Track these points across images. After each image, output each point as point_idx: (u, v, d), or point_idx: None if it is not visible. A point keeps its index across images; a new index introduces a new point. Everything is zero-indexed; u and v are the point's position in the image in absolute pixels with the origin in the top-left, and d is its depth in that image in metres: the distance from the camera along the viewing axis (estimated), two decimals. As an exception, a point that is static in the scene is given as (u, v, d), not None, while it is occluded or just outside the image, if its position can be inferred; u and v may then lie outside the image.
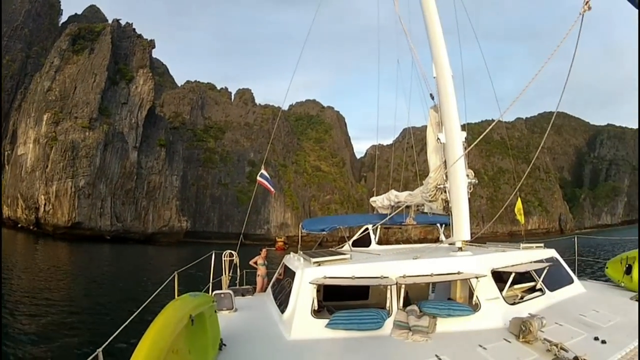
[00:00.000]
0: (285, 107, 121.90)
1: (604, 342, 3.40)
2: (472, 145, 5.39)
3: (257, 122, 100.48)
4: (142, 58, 69.94)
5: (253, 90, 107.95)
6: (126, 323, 3.35)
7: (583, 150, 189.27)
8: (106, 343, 2.87)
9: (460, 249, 5.04)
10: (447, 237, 5.94)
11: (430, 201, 5.91)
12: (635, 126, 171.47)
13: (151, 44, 72.19)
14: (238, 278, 7.64)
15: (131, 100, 65.01)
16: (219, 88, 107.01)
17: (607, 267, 6.08)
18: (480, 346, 3.43)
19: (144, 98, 66.17)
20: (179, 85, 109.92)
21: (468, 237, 5.09)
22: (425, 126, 6.09)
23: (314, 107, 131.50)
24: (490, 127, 4.93)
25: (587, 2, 3.26)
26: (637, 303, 4.62)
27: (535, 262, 5.14)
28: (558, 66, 3.66)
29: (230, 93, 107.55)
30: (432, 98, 5.96)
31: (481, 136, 4.88)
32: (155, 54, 78.16)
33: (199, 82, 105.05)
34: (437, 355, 3.25)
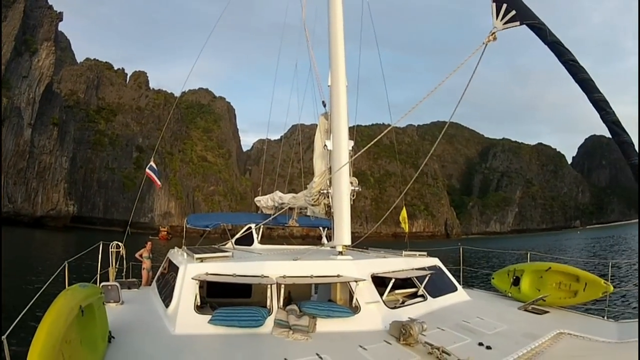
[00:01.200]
0: (178, 94, 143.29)
1: (489, 347, 4.24)
2: (358, 154, 6.80)
3: (148, 107, 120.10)
4: (49, 30, 79.90)
5: (148, 74, 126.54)
6: (23, 313, 4.10)
7: (474, 160, 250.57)
8: (8, 330, 3.47)
9: (340, 253, 6.22)
10: (329, 239, 7.45)
11: (313, 205, 7.34)
12: (532, 142, 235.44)
13: (59, 17, 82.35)
14: (124, 270, 9.01)
15: (32, 74, 73.76)
16: (116, 68, 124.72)
17: (493, 278, 7.86)
18: (361, 347, 4.21)
19: (44, 73, 75.67)
20: (79, 62, 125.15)
21: (348, 242, 6.33)
22: (315, 124, 7.57)
23: (205, 96, 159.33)
24: (381, 135, 6.40)
25: (493, 33, 4.20)
26: (525, 313, 6.08)
27: (417, 269, 6.59)
28: (457, 81, 4.68)
29: (126, 75, 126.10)
30: (324, 105, 7.39)
31: (368, 145, 6.73)
32: (61, 26, 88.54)
33: (97, 60, 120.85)
34: (317, 354, 3.93)
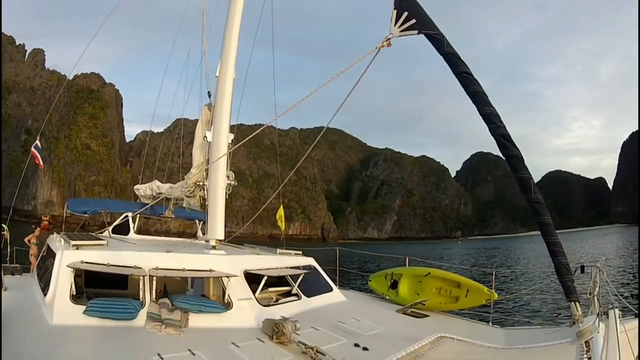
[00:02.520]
0: (71, 77, 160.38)
1: (365, 349, 5.15)
2: (236, 146, 8.03)
3: (41, 88, 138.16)
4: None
5: (47, 53, 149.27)
6: None
7: (355, 167, 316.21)
8: None
9: (214, 247, 7.46)
10: (204, 233, 8.47)
11: (188, 196, 8.73)
12: (416, 154, 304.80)
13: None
14: (8, 255, 10.15)
15: None
16: (17, 44, 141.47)
17: (370, 280, 9.73)
18: (233, 344, 5.03)
19: None
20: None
21: (222, 237, 7.58)
22: (197, 120, 8.95)
23: (96, 82, 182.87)
24: (258, 131, 7.83)
25: (389, 39, 5.10)
26: (404, 316, 7.50)
27: (290, 267, 7.89)
28: (348, 88, 5.54)
29: (26, 51, 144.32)
30: (209, 96, 8.75)
31: (247, 138, 7.38)
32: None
33: (4, 34, 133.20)
34: (190, 350, 4.68)
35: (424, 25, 5.26)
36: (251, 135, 7.32)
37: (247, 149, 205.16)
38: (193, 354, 4.54)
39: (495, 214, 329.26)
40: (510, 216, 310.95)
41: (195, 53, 10.76)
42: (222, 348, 4.92)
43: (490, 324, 7.71)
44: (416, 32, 5.22)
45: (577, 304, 5.28)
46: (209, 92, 8.85)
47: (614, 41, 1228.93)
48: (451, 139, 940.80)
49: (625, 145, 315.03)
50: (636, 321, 5.24)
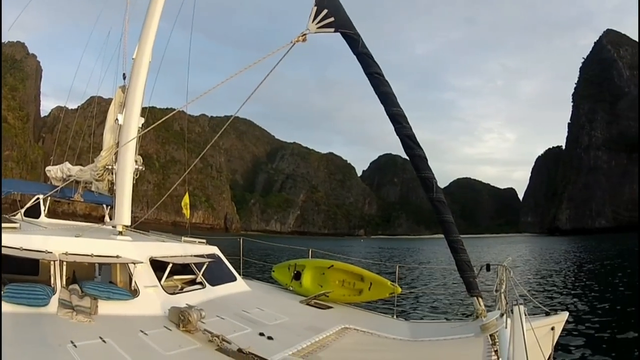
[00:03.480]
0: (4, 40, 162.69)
1: (270, 338, 5.91)
2: (145, 131, 8.83)
3: None
4: None
5: None
6: None
7: (262, 159, 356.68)
8: None
9: (120, 233, 8.11)
10: (112, 218, 8.96)
11: (97, 180, 9.57)
12: (323, 150, 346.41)
13: None
14: None
15: None
16: None
17: (273, 271, 11.01)
18: (142, 332, 5.58)
19: None
20: None
21: (128, 223, 8.34)
22: (111, 99, 9.57)
23: (21, 51, 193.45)
24: (169, 116, 8.84)
25: (304, 35, 5.80)
26: (308, 307, 8.46)
27: (195, 255, 8.68)
28: (262, 79, 6.17)
29: None
30: (124, 78, 9.42)
31: (157, 123, 8.38)
32: None
33: None
34: (101, 337, 5.14)
35: (342, 24, 6.16)
36: (161, 120, 8.77)
37: (156, 133, 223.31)
38: (104, 341, 5.13)
39: (400, 215, 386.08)
40: (415, 218, 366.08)
41: (116, 32, 11.51)
42: (131, 336, 5.55)
43: (395, 316, 8.93)
44: (333, 30, 6.11)
45: (480, 299, 6.29)
46: (124, 74, 9.54)
47: (539, 62, 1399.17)
48: (360, 139, 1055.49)
49: (539, 159, 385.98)
50: (546, 319, 6.85)
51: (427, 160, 6.15)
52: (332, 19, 6.10)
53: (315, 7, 6.13)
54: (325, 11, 6.12)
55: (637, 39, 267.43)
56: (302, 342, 5.87)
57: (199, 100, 7.37)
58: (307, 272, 10.28)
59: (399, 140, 6.26)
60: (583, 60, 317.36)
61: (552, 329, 6.87)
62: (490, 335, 5.66)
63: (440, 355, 6.43)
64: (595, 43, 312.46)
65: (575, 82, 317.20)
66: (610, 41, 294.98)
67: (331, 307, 8.79)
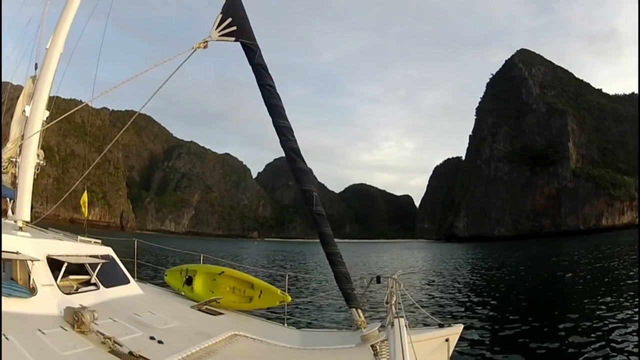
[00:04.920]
0: None
1: (160, 342, 6.92)
2: (50, 124, 10.20)
3: None
4: None
5: None
6: None
7: (159, 157, 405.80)
8: None
9: (20, 228, 9.22)
10: (14, 213, 10.08)
11: (3, 173, 10.60)
12: (220, 151, 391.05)
13: None
14: None
15: None
16: None
17: (166, 275, 12.70)
18: (40, 330, 6.50)
19: None
20: None
21: (28, 218, 9.54)
22: (20, 86, 11.30)
23: None
24: (75, 110, 9.77)
25: (206, 41, 6.97)
26: (199, 312, 9.88)
27: (90, 256, 10.07)
28: (166, 75, 7.29)
29: None
30: (36, 68, 10.69)
31: (63, 116, 9.41)
32: None
33: None
34: (4, 335, 5.91)
35: (243, 34, 7.46)
36: (67, 113, 9.42)
37: (58, 124, 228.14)
38: (7, 338, 5.88)
39: (293, 218, 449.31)
40: (309, 222, 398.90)
41: (36, 20, 12.92)
42: (30, 335, 6.39)
43: (286, 324, 10.40)
44: (233, 39, 7.45)
45: (359, 310, 7.58)
46: (36, 64, 10.79)
47: (444, 75, 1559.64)
48: (257, 141, 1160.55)
49: (438, 168, 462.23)
50: (439, 331, 8.04)
51: (309, 173, 7.85)
52: (234, 28, 7.57)
53: (221, 15, 7.60)
54: (229, 20, 7.60)
55: (551, 60, 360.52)
56: (192, 348, 7.00)
57: (101, 92, 8.82)
58: (198, 278, 12.00)
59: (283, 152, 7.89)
60: (491, 76, 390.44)
61: (447, 340, 8.09)
62: (372, 346, 7.00)
63: None
64: (506, 61, 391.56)
65: (481, 96, 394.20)
66: (522, 60, 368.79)
67: (222, 314, 10.38)
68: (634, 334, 17.57)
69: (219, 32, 7.48)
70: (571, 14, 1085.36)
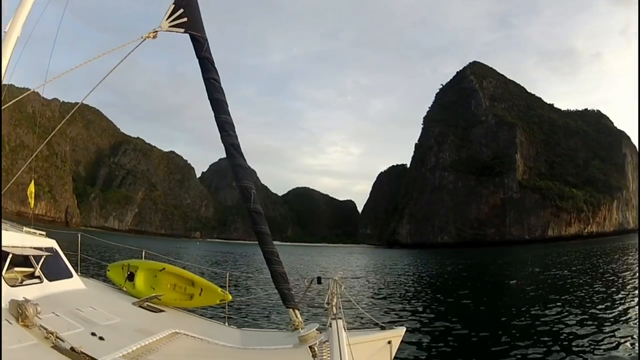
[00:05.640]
0: None
1: (101, 338, 7.36)
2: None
3: None
4: None
5: None
6: None
7: (105, 152, 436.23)
8: None
9: None
10: None
11: None
12: (166, 148, 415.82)
13: None
14: None
15: None
16: None
17: (109, 270, 13.59)
18: None
19: None
20: None
21: None
22: None
23: None
24: (22, 96, 10.84)
25: (156, 32, 7.34)
26: (140, 309, 10.63)
27: (35, 248, 10.71)
28: (120, 68, 7.86)
29: None
30: None
31: (10, 102, 10.10)
32: None
33: None
34: None
35: (193, 26, 7.87)
36: (16, 99, 10.24)
37: (10, 114, 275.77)
38: None
39: (236, 219, 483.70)
40: None
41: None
42: None
43: (226, 323, 11.35)
44: (183, 30, 7.82)
45: (296, 310, 8.03)
46: None
47: (394, 83, 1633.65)
48: (203, 140, 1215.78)
49: (382, 175, 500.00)
50: (381, 333, 8.85)
51: (248, 170, 8.17)
52: (185, 20, 7.96)
53: (173, 5, 7.98)
54: (180, 11, 7.97)
55: (504, 74, 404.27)
56: (132, 345, 7.46)
57: (54, 83, 9.16)
58: (140, 274, 12.68)
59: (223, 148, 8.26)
60: (442, 86, 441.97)
61: (389, 342, 8.89)
62: (310, 347, 7.42)
63: None
64: (458, 72, 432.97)
65: (430, 105, 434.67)
66: (474, 72, 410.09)
67: (163, 311, 11.04)
68: (579, 338, 20.05)
69: (170, 22, 8.02)
70: (530, 30, 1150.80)
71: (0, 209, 8.58)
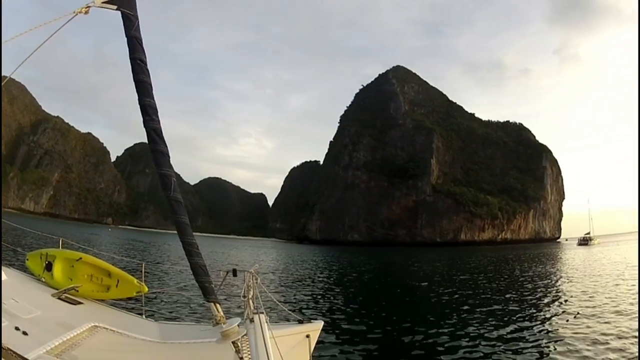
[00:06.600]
0: None
1: (25, 333, 7.12)
2: None
3: None
4: None
5: None
6: None
7: (26, 130, 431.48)
8: None
9: None
10: None
11: None
12: (83, 129, 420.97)
13: None
14: None
15: None
16: None
17: (27, 259, 12.76)
18: None
19: None
20: None
21: None
22: None
23: None
24: None
25: (88, 7, 7.05)
26: (60, 301, 10.18)
27: None
28: (50, 41, 7.65)
29: None
30: None
31: None
32: None
33: None
34: None
35: (125, 3, 7.56)
36: None
37: None
38: None
39: (148, 207, 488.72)
40: (163, 212, 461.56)
41: None
42: None
43: (144, 316, 11.08)
44: (115, 7, 7.51)
45: (217, 304, 7.74)
46: None
47: (314, 80, 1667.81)
48: (120, 123, 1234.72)
49: (295, 170, 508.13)
50: (300, 327, 8.97)
51: (169, 157, 7.76)
52: None
53: None
54: None
55: (427, 80, 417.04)
56: (55, 340, 7.39)
57: None
58: (57, 263, 11.95)
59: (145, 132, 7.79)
60: (362, 87, 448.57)
61: (308, 336, 9.01)
62: (233, 342, 7.27)
63: (188, 359, 8.63)
64: (380, 74, 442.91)
65: (348, 105, 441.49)
66: (396, 76, 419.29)
67: (82, 303, 10.65)
68: (489, 340, 20.27)
69: None
70: (460, 41, 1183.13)
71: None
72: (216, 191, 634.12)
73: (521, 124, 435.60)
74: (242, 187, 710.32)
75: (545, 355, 17.64)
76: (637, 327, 20.99)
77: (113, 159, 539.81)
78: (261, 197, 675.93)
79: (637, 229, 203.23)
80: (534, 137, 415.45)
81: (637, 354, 16.95)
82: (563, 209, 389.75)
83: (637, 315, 24.52)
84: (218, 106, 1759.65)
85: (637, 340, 18.82)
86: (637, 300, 29.63)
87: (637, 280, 41.91)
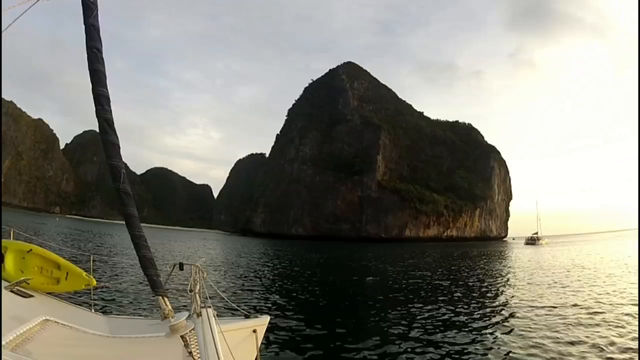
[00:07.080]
0: None
1: None
2: None
3: None
4: None
5: None
6: None
7: None
8: None
9: None
10: None
11: None
12: (35, 115, 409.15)
13: None
14: None
15: None
16: None
17: None
18: None
19: None
20: None
21: None
22: None
23: None
24: None
25: None
26: (12, 294, 9.95)
27: None
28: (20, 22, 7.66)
29: None
30: None
31: None
32: None
33: None
34: None
35: None
36: None
37: None
38: None
39: (95, 196, 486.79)
40: (110, 202, 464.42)
41: None
42: None
43: (93, 310, 11.15)
44: None
45: (165, 298, 7.52)
46: None
47: (264, 72, 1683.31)
48: (72, 110, 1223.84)
49: (240, 162, 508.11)
50: (246, 322, 9.18)
51: (119, 148, 7.58)
52: None
53: None
54: None
55: (377, 77, 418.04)
56: (9, 334, 7.21)
57: None
58: (9, 255, 11.57)
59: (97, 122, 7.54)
60: (311, 81, 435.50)
61: (254, 331, 9.19)
62: (182, 337, 7.10)
63: (137, 354, 8.48)
64: (330, 70, 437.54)
65: (296, 99, 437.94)
66: (347, 72, 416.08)
67: (32, 296, 10.52)
68: (432, 335, 20.99)
69: None
70: (412, 41, 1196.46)
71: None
72: (162, 181, 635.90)
73: (470, 125, 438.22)
74: (187, 177, 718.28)
75: (490, 350, 18.83)
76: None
77: (62, 146, 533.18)
78: (206, 189, 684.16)
79: (583, 231, 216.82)
80: (483, 137, 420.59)
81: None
82: (511, 209, 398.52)
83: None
84: (167, 95, 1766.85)
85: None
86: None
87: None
